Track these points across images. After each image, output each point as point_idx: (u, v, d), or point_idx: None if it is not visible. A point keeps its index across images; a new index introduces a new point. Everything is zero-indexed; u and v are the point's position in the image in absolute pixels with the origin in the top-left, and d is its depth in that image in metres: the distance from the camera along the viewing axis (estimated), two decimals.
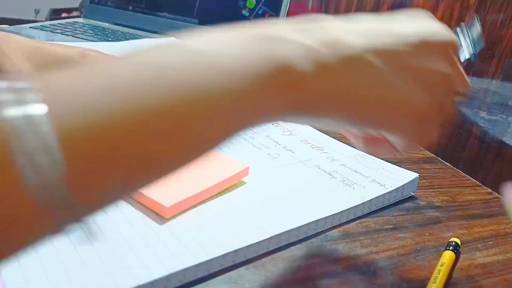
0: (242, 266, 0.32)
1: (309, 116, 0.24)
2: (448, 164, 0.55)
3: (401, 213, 0.41)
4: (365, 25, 0.25)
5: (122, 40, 0.79)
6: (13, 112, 0.15)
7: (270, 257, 0.33)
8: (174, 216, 0.33)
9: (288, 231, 0.34)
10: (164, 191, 0.33)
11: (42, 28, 0.79)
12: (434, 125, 0.28)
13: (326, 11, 0.84)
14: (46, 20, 0.97)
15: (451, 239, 0.37)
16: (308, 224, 0.35)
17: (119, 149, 0.17)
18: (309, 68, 0.22)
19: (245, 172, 0.40)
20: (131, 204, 0.34)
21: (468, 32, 0.32)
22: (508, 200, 0.30)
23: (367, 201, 0.40)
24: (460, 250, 0.37)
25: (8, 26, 0.75)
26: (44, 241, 0.17)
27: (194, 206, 0.35)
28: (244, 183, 0.40)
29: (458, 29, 0.32)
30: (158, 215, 0.33)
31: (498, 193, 0.49)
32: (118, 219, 0.32)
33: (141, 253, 0.29)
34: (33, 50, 0.37)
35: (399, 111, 0.26)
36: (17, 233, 0.16)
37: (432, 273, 0.34)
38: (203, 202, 0.36)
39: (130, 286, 0.26)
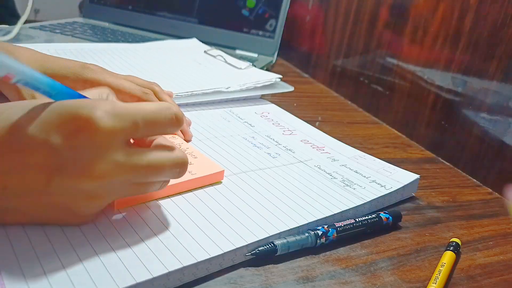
0: (242, 266, 0.32)
1: None
2: (448, 164, 0.55)
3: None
4: None
5: (122, 41, 0.79)
6: None
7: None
8: (171, 215, 0.33)
9: (288, 230, 0.34)
10: None
11: (41, 28, 0.79)
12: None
13: (326, 11, 0.84)
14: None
15: (452, 239, 0.37)
16: (308, 224, 0.35)
17: None
18: None
19: (219, 175, 0.39)
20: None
21: None
22: (511, 202, 0.30)
23: (367, 202, 0.39)
24: (460, 250, 0.37)
25: (7, 26, 0.75)
26: None
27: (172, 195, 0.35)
28: (243, 183, 0.40)
29: None
30: (155, 214, 0.33)
31: (498, 193, 0.49)
32: (117, 219, 0.32)
33: (139, 252, 0.29)
34: (43, 59, 0.40)
35: None
36: None
37: (432, 273, 0.34)
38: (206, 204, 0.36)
39: (130, 285, 0.26)
